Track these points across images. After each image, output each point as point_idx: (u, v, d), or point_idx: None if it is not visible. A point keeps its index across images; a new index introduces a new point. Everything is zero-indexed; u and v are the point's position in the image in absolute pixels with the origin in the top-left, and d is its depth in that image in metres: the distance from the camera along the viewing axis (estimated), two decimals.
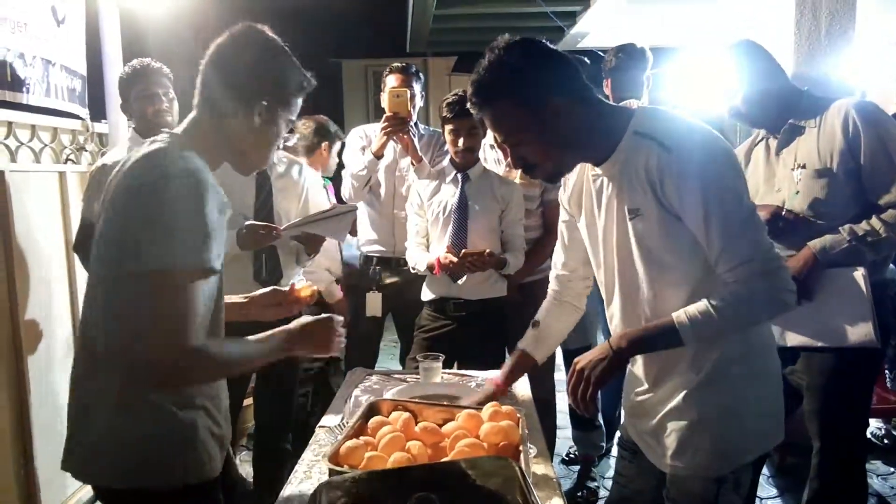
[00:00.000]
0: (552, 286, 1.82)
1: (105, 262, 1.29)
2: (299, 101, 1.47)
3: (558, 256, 1.77)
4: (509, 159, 1.50)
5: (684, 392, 1.46)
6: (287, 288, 1.74)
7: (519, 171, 2.84)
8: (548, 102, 1.37)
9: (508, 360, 1.90)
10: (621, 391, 1.69)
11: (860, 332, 1.89)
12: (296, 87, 1.44)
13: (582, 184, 1.57)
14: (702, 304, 1.34)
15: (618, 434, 1.81)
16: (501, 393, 1.87)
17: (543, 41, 1.42)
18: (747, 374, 1.45)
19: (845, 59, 2.90)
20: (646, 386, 1.55)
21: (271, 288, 1.74)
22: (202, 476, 1.39)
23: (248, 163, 1.48)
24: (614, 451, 1.88)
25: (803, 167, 1.95)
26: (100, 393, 1.31)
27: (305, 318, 1.48)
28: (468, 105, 1.47)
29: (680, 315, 1.36)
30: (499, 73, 1.38)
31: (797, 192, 1.96)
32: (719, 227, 1.32)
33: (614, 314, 1.55)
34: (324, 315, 1.51)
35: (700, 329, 1.34)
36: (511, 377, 1.88)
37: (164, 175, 1.24)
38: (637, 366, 1.57)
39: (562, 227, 1.72)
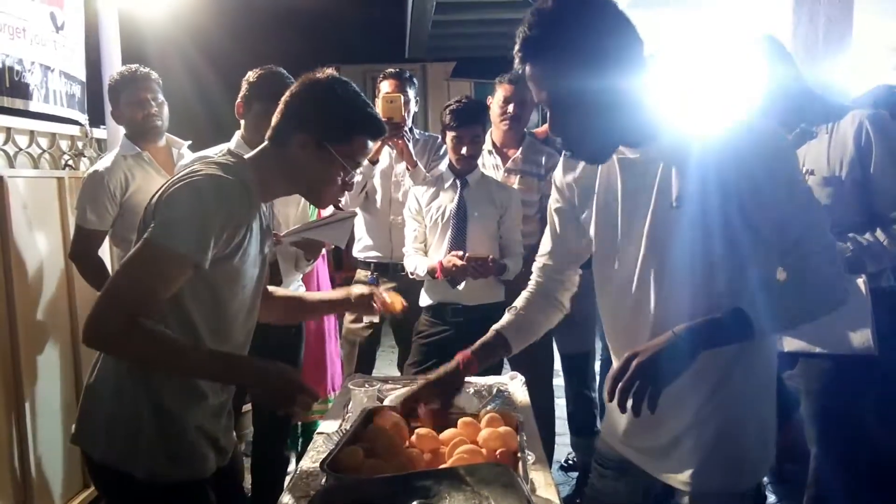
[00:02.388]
0: (535, 277, 1.66)
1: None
2: (362, 144, 1.45)
3: (545, 245, 1.62)
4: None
5: (699, 406, 1.34)
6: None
7: (518, 178, 2.87)
8: (610, 69, 1.22)
9: (482, 339, 1.65)
10: None
11: (859, 339, 1.90)
12: (349, 126, 1.43)
13: (597, 168, 1.42)
14: (769, 294, 1.24)
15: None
16: (467, 363, 1.62)
17: (615, 2, 1.26)
18: (757, 387, 1.37)
19: (843, 65, 2.90)
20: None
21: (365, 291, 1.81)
22: (187, 474, 1.41)
23: (310, 197, 1.54)
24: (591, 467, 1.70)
25: (811, 173, 1.96)
26: (104, 368, 1.41)
27: (283, 366, 1.39)
28: (515, 53, 1.28)
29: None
30: (565, 23, 1.22)
31: None
32: (802, 215, 1.24)
33: (622, 319, 1.41)
34: (299, 382, 1.38)
35: (775, 315, 1.22)
36: (483, 353, 1.62)
37: (204, 174, 1.33)
38: None
39: (553, 215, 1.56)
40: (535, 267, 1.67)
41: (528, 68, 1.27)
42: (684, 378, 1.25)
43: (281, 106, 1.45)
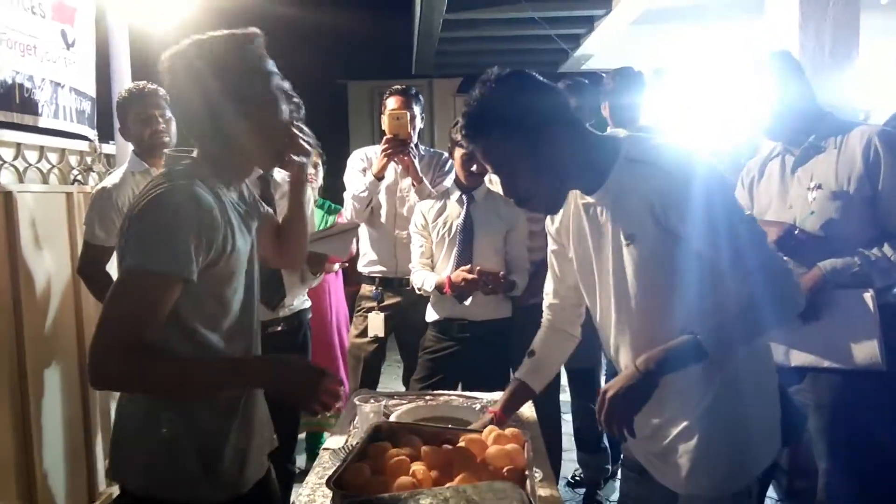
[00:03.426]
0: (545, 315, 1.81)
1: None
2: (256, 62, 1.35)
3: (549, 285, 1.78)
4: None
5: (692, 414, 1.47)
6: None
7: None
8: (541, 133, 1.40)
9: (506, 390, 1.85)
10: None
11: (866, 353, 1.89)
12: (245, 62, 1.34)
13: (570, 213, 1.59)
14: (720, 317, 1.37)
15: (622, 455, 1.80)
16: (500, 422, 1.79)
17: (533, 73, 1.45)
18: (751, 393, 1.48)
19: (849, 80, 2.91)
20: (652, 409, 1.48)
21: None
22: (228, 493, 1.39)
23: (274, 156, 1.47)
24: (619, 473, 1.85)
25: (819, 188, 1.97)
26: (131, 399, 1.37)
27: (298, 357, 1.36)
28: (459, 137, 1.49)
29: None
30: (492, 104, 1.41)
31: (812, 212, 1.97)
32: (729, 240, 1.35)
33: (613, 342, 1.55)
34: (320, 369, 1.35)
35: (723, 337, 1.35)
36: (509, 407, 1.83)
37: (164, 187, 1.28)
38: None
39: (551, 257, 1.73)
40: (544, 306, 1.81)
41: (473, 147, 1.46)
42: (675, 395, 1.45)
43: (178, 102, 1.40)
